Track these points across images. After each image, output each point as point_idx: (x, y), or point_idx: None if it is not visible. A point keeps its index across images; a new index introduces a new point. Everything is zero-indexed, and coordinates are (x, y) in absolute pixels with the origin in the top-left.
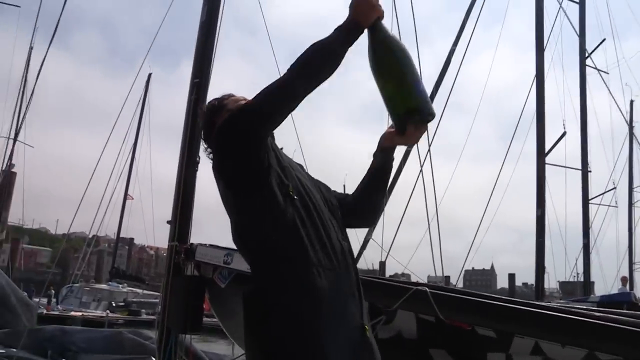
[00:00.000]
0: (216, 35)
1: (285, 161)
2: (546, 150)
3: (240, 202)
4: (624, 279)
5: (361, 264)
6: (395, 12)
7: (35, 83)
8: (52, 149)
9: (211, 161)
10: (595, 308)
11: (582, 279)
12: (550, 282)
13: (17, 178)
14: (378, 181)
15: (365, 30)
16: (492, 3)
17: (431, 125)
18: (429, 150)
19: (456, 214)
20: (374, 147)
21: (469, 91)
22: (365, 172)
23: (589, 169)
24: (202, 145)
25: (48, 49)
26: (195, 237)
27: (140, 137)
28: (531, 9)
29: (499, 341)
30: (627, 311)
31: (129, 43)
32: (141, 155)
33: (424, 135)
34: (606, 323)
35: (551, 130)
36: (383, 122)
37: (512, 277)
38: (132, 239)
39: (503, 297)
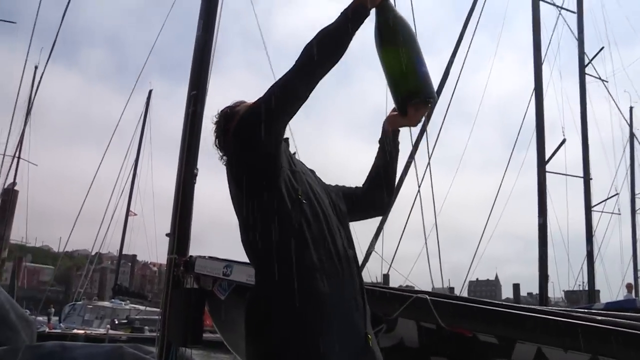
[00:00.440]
0: (212, 48)
1: (297, 165)
2: (546, 159)
3: (249, 202)
4: (629, 286)
5: (364, 277)
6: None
7: (32, 99)
8: (56, 166)
9: (225, 166)
10: (598, 311)
11: (587, 288)
12: (556, 292)
13: (19, 196)
14: (386, 168)
15: (373, 10)
16: (500, 13)
17: (431, 138)
18: (428, 163)
19: (462, 223)
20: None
21: (477, 100)
22: (372, 163)
23: (590, 177)
24: (217, 153)
25: (46, 65)
26: (196, 251)
27: (142, 152)
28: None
29: (501, 347)
30: (630, 314)
31: (137, 60)
32: (143, 171)
33: (425, 146)
34: (609, 327)
35: (554, 139)
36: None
37: (516, 287)
38: (134, 256)
39: (503, 303)
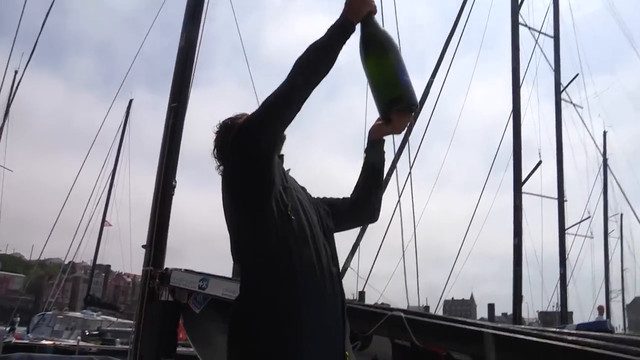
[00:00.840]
0: (194, 61)
1: (289, 182)
2: (523, 180)
3: (240, 214)
4: (600, 308)
5: None
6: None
7: (10, 104)
8: (33, 173)
9: (221, 176)
10: (569, 331)
11: (560, 309)
12: (530, 312)
13: None
14: (372, 177)
15: (359, 25)
16: (488, 36)
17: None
18: (409, 175)
19: (441, 242)
20: None
21: (465, 121)
22: (360, 173)
23: (565, 199)
24: (215, 163)
25: (24, 70)
26: (174, 263)
27: (120, 162)
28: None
29: None
30: (599, 334)
31: (126, 69)
32: (120, 181)
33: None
34: (579, 347)
35: (532, 160)
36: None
37: (491, 307)
38: (108, 266)
39: (477, 322)
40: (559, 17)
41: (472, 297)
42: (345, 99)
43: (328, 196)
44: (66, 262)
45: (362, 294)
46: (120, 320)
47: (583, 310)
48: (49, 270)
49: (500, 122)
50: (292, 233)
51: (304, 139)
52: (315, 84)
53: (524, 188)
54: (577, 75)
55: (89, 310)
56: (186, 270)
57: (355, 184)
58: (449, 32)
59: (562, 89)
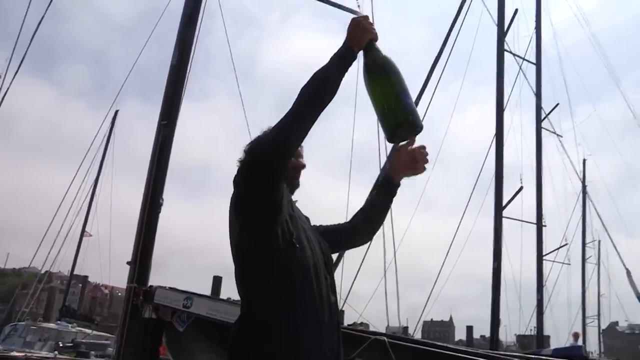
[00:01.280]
0: (185, 79)
1: (295, 211)
2: (504, 204)
3: (246, 241)
4: (575, 335)
5: None
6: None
7: None
8: (16, 180)
9: (231, 197)
10: (547, 358)
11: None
12: (508, 336)
13: None
14: (382, 210)
15: (361, 52)
16: (480, 60)
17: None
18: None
19: (424, 264)
20: (354, 197)
21: (455, 145)
22: (369, 201)
23: (544, 224)
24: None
25: (4, 76)
26: (154, 276)
27: (103, 173)
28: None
29: None
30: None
31: (119, 79)
32: (102, 192)
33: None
34: None
35: (515, 185)
36: (364, 171)
37: (470, 329)
38: (86, 277)
39: (459, 348)
40: (541, 45)
41: (451, 319)
42: (334, 120)
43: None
44: (42, 272)
45: (341, 313)
46: (95, 332)
47: (559, 334)
48: (25, 279)
49: (488, 147)
50: (296, 261)
51: None
52: (319, 112)
53: (505, 212)
54: (557, 104)
55: (64, 322)
56: (171, 288)
57: (361, 212)
58: (435, 55)
59: (543, 117)
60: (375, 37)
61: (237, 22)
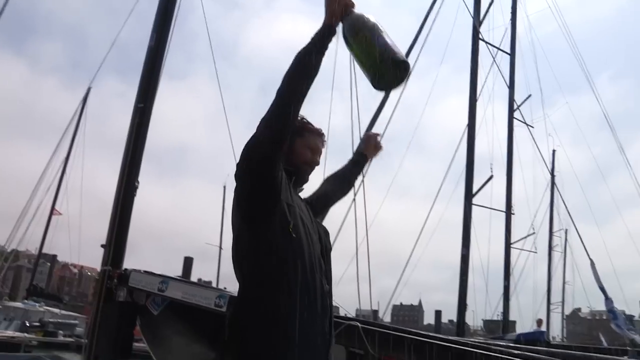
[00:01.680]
0: (163, 61)
1: (294, 200)
2: (473, 192)
3: (244, 231)
4: (539, 321)
5: None
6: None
7: None
8: None
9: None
10: (513, 345)
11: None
12: (476, 320)
13: None
14: (356, 173)
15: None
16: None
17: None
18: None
19: (398, 249)
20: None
21: (434, 133)
22: (345, 167)
23: (512, 212)
24: None
25: None
26: (126, 258)
27: (75, 151)
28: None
29: None
30: (542, 348)
31: (97, 56)
32: (74, 170)
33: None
34: None
35: (487, 175)
36: (344, 154)
37: (438, 313)
38: (55, 256)
39: (430, 334)
40: (516, 36)
41: (420, 303)
42: (315, 105)
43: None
44: (9, 250)
45: None
46: (64, 312)
47: (525, 320)
48: None
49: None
50: (292, 250)
51: None
52: (304, 90)
53: (476, 200)
54: (529, 96)
55: (31, 301)
56: (145, 272)
57: (337, 177)
58: (410, 43)
59: (515, 107)
60: (350, 4)
61: (220, 3)
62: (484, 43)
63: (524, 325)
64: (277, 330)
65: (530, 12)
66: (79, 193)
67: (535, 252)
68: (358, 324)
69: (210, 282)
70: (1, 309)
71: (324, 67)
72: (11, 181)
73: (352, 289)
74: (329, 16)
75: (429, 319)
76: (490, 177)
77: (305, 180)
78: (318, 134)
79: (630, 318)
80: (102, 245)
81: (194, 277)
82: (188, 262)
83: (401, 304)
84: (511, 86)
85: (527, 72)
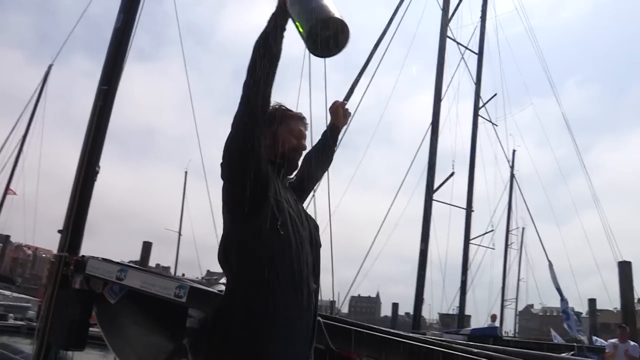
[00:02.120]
0: (129, 43)
1: (282, 195)
2: (434, 188)
3: (233, 230)
4: (493, 317)
5: None
6: None
7: None
8: None
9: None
10: (472, 343)
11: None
12: (432, 314)
13: None
14: (332, 146)
15: None
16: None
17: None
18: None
19: (359, 241)
20: None
21: (404, 127)
22: (319, 143)
23: (472, 209)
24: None
25: None
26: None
27: (32, 130)
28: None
29: None
30: (497, 347)
31: (65, 31)
32: (32, 150)
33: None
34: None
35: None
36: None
37: (395, 306)
38: (8, 237)
39: (392, 330)
40: (485, 35)
41: (377, 295)
42: (288, 92)
43: None
44: None
45: None
46: (16, 294)
47: (479, 314)
48: None
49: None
50: (279, 247)
51: None
52: (267, 72)
53: (438, 196)
54: (495, 94)
55: None
56: (104, 259)
57: (315, 151)
58: (377, 38)
59: (481, 105)
60: None
61: None
62: (453, 41)
63: (479, 319)
64: (261, 328)
65: (500, 12)
66: (42, 172)
67: (493, 249)
68: (319, 318)
69: (168, 268)
70: None
71: (296, 57)
72: None
73: None
74: None
75: (385, 311)
76: (452, 174)
77: (295, 166)
78: (299, 118)
79: (578, 315)
80: (59, 231)
81: (152, 262)
82: (147, 247)
83: (359, 295)
84: (478, 82)
85: (495, 73)
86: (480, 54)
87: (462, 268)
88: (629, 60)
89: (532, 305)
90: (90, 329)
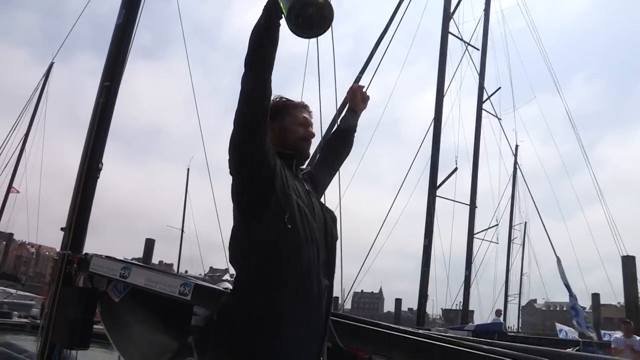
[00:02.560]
0: (131, 40)
1: (291, 188)
2: (438, 184)
3: (241, 219)
4: (498, 312)
5: None
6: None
7: None
8: None
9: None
10: (478, 339)
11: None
12: (435, 309)
13: None
14: (352, 131)
15: None
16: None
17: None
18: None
19: (364, 236)
20: None
21: (411, 124)
22: (339, 129)
23: (476, 205)
24: None
25: None
26: (87, 239)
27: (35, 128)
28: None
29: None
30: (508, 343)
31: (73, 31)
32: (34, 148)
33: None
34: (496, 356)
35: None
36: None
37: (398, 302)
38: (11, 235)
39: (401, 327)
40: (489, 29)
41: (380, 290)
42: (298, 88)
43: None
44: None
45: None
46: (20, 292)
47: (483, 310)
48: None
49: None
50: (285, 241)
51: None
52: (263, 59)
53: (439, 192)
54: (499, 88)
55: None
56: (107, 257)
57: (335, 136)
58: (379, 35)
59: (485, 97)
60: None
61: None
62: (454, 36)
63: (483, 314)
64: (265, 325)
65: (505, 6)
66: (45, 171)
67: (497, 243)
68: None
69: (171, 265)
70: None
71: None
72: None
73: None
74: None
75: (389, 306)
76: (455, 170)
77: (306, 156)
78: (303, 107)
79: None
80: (62, 229)
81: (155, 259)
82: (149, 244)
83: (362, 291)
84: (481, 74)
85: (500, 68)
86: (484, 45)
87: (466, 263)
88: (637, 55)
89: (535, 300)
90: (94, 327)
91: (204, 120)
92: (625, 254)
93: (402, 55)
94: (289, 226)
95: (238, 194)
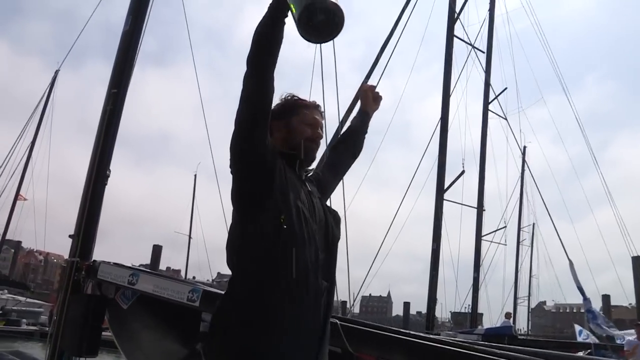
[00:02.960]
0: (138, 47)
1: (291, 188)
2: (445, 187)
3: (238, 219)
4: (507, 314)
5: None
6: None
7: None
8: None
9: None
10: (489, 344)
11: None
12: (444, 312)
13: None
14: (363, 132)
15: None
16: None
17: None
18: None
19: (372, 240)
20: None
21: (421, 127)
22: (349, 130)
23: (483, 208)
24: None
25: None
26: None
27: (42, 135)
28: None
29: None
30: (518, 347)
31: (84, 39)
32: (41, 155)
33: None
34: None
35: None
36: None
37: (407, 305)
38: (19, 242)
39: (412, 332)
40: (495, 31)
41: (389, 294)
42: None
43: None
44: None
45: None
46: (29, 299)
47: (492, 312)
48: None
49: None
50: (281, 242)
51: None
52: (272, 58)
53: (447, 195)
54: (505, 88)
55: None
56: (115, 264)
57: (345, 137)
58: (385, 39)
59: (492, 98)
60: None
61: None
62: (459, 39)
63: (492, 317)
64: (261, 324)
65: (510, 8)
66: (53, 179)
67: (505, 245)
68: (337, 320)
69: (179, 271)
70: None
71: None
72: None
73: None
74: None
75: (397, 310)
76: (462, 173)
77: (312, 157)
78: (313, 107)
79: None
80: (71, 236)
81: (162, 265)
82: (157, 250)
83: (370, 295)
84: (487, 73)
85: (509, 69)
86: (489, 46)
87: (475, 265)
88: None
89: (544, 302)
90: (103, 334)
91: (213, 125)
92: (635, 255)
93: (413, 58)
94: (285, 227)
95: (236, 193)
